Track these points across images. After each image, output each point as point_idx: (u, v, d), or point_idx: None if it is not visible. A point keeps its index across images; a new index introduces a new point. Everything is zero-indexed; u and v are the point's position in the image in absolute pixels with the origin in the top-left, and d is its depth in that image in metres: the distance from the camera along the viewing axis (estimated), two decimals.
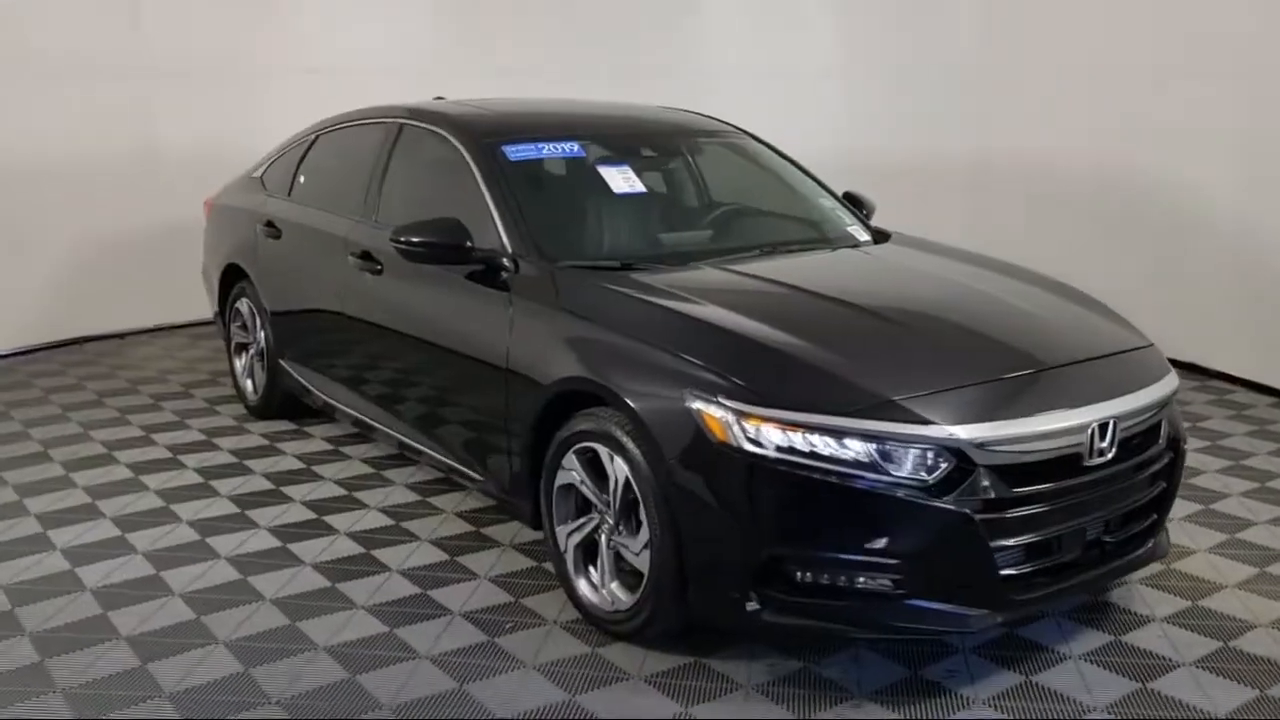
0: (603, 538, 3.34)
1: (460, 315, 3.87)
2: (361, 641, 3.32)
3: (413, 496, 4.47)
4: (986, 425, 2.90)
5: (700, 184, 4.52)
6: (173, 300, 7.40)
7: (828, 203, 4.56)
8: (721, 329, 3.18)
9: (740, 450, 2.89)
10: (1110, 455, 3.09)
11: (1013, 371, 3.11)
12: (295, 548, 3.98)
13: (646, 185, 4.16)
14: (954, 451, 2.86)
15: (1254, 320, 5.97)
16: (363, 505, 4.38)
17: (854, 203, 4.66)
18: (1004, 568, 2.94)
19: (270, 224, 5.14)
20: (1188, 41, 6.00)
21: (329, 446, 5.08)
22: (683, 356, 3.08)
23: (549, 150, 4.16)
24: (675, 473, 3.01)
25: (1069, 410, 3.03)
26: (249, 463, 4.87)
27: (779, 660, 3.21)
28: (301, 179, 5.16)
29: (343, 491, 4.53)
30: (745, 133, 4.80)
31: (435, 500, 4.43)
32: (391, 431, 4.42)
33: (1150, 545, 3.36)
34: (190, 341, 7.23)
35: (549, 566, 3.67)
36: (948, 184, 7.40)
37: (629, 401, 3.12)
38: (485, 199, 3.91)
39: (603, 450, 3.25)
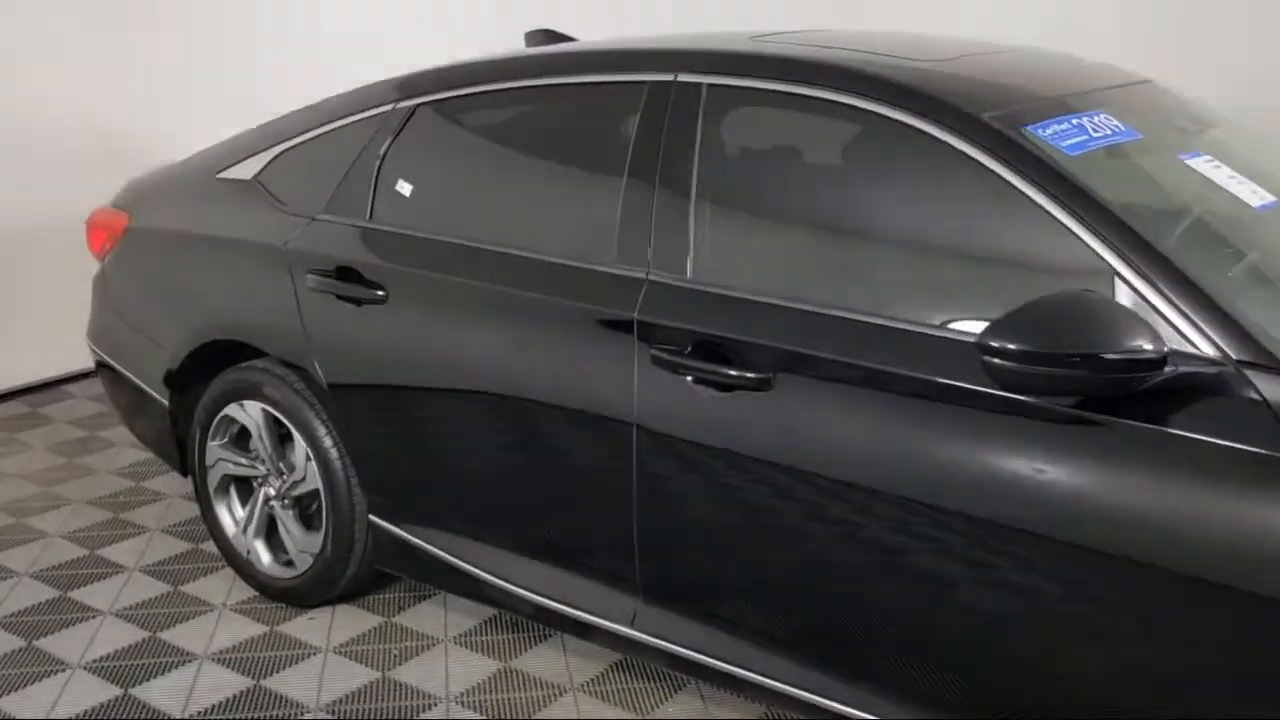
0: None
1: (1086, 481, 1.83)
2: None
3: None
4: None
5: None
6: None
7: None
8: None
9: None
10: None
11: None
12: None
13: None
14: None
15: None
16: None
17: None
18: None
19: (349, 274, 2.74)
20: None
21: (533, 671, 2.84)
22: None
23: (1093, 132, 2.19)
24: None
25: None
26: None
27: None
28: (403, 189, 2.77)
29: None
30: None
31: None
32: (767, 678, 2.30)
33: None
34: (5, 436, 4.43)
35: None
36: None
37: None
38: (1085, 244, 1.93)
39: None
